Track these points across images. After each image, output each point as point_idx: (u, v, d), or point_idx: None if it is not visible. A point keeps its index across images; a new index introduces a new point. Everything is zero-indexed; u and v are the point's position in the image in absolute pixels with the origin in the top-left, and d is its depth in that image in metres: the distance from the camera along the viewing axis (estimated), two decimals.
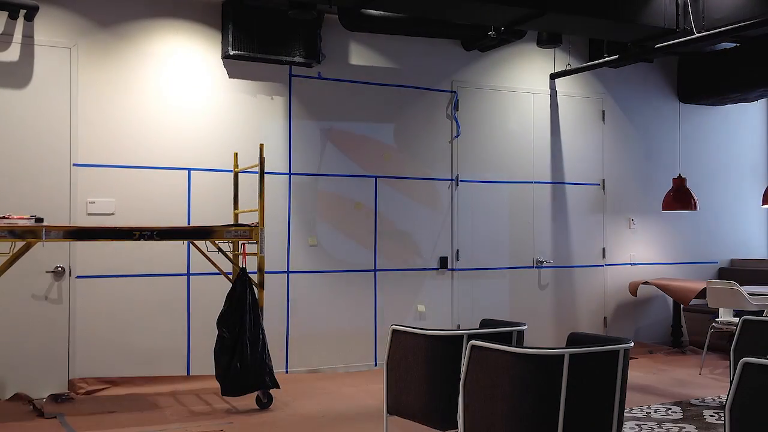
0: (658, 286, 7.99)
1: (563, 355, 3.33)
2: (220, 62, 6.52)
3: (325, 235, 6.86)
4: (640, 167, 8.42)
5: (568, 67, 7.84)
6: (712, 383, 6.42)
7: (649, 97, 8.51)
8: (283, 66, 6.69)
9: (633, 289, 8.10)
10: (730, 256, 8.97)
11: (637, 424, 4.99)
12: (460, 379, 3.60)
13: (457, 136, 7.43)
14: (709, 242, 8.82)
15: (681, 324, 8.35)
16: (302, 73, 6.79)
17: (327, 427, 5.05)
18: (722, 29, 6.25)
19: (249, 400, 5.50)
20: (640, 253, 8.40)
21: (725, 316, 6.97)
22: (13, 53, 5.84)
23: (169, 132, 6.31)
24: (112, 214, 6.05)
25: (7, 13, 5.76)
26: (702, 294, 7.27)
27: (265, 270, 5.66)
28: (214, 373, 5.47)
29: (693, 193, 7.81)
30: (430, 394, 3.99)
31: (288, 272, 6.70)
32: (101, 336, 6.02)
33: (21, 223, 4.88)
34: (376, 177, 7.07)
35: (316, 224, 6.82)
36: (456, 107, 7.42)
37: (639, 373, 6.73)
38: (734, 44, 7.50)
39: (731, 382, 3.04)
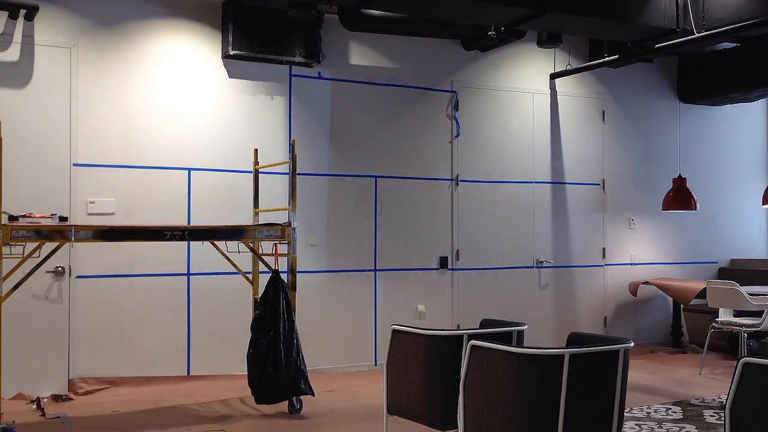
0: (658, 286, 7.99)
1: (563, 355, 3.33)
2: (220, 62, 6.52)
3: (325, 235, 6.86)
4: (640, 167, 8.42)
5: (568, 67, 7.83)
6: (712, 383, 6.42)
7: (649, 97, 8.51)
8: (283, 66, 6.69)
9: (633, 289, 8.09)
10: (730, 256, 8.97)
11: (637, 424, 4.99)
12: (460, 379, 3.60)
13: (457, 136, 7.43)
14: (709, 242, 8.82)
15: (681, 324, 8.35)
16: (302, 73, 6.79)
17: (327, 427, 5.05)
18: (722, 29, 6.26)
19: (249, 400, 5.50)
20: (640, 253, 8.40)
21: (725, 316, 6.96)
22: (13, 53, 5.84)
23: (169, 132, 6.31)
24: (112, 214, 6.05)
25: (7, 13, 5.76)
26: (702, 294, 7.27)
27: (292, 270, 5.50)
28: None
29: (693, 193, 7.80)
30: (431, 394, 3.99)
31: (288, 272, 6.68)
32: (101, 336, 6.02)
33: (46, 222, 4.62)
34: (376, 177, 7.07)
35: (316, 224, 6.82)
36: (456, 107, 7.42)
37: (639, 373, 6.72)
38: (734, 44, 7.50)
39: (731, 382, 3.04)
